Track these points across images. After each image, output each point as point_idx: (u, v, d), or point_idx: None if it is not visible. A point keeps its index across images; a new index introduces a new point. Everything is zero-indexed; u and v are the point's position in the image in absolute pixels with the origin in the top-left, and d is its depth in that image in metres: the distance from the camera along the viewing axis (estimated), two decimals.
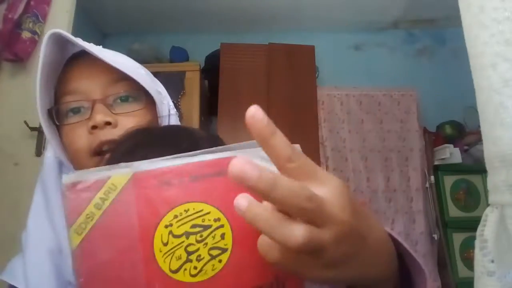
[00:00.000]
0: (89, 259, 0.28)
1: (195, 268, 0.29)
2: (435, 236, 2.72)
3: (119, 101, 0.59)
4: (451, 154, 2.68)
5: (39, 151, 1.55)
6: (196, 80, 2.67)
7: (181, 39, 3.10)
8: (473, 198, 2.71)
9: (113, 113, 0.57)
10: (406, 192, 2.85)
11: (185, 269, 0.29)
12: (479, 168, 2.44)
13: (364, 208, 0.31)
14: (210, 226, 0.30)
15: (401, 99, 3.05)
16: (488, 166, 0.69)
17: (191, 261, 0.30)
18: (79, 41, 0.56)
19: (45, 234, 0.56)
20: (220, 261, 0.30)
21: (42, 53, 0.56)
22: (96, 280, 0.28)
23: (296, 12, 3.06)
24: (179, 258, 0.29)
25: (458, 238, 2.63)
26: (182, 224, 0.29)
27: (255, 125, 0.27)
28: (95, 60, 0.57)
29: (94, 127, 0.56)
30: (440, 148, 2.80)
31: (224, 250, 0.30)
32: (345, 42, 3.34)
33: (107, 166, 0.30)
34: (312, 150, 2.63)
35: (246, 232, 0.30)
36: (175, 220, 0.29)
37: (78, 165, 0.59)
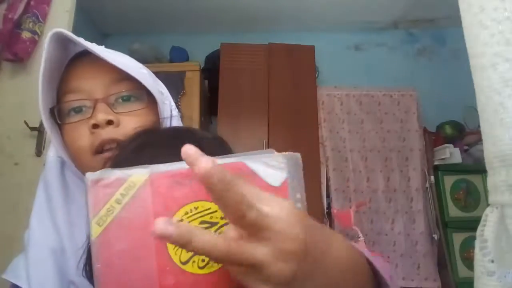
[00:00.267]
0: (107, 248, 0.31)
1: (203, 261, 0.32)
2: (435, 236, 2.72)
3: (121, 100, 0.59)
4: (451, 154, 2.68)
5: (39, 151, 1.55)
6: (196, 80, 2.67)
7: (181, 39, 3.10)
8: (473, 198, 2.71)
9: (115, 112, 0.58)
10: (406, 192, 2.85)
11: (194, 261, 0.31)
12: (479, 168, 2.44)
13: (322, 231, 0.31)
14: (217, 223, 0.33)
15: (401, 99, 3.05)
16: (488, 166, 0.69)
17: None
18: (82, 41, 0.56)
19: (47, 233, 0.56)
20: None
21: (45, 52, 0.56)
22: (112, 267, 0.31)
23: (296, 12, 3.07)
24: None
25: (458, 238, 2.63)
26: (192, 220, 0.32)
27: (208, 182, 0.26)
28: (98, 59, 0.57)
29: (96, 126, 0.56)
30: (440, 148, 2.80)
31: None
32: (345, 42, 3.34)
33: (127, 168, 0.33)
34: (312, 150, 2.63)
35: None
36: (186, 216, 0.32)
37: (79, 164, 0.59)
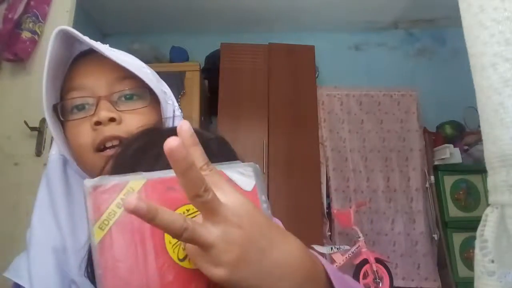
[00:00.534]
0: (110, 252, 0.33)
1: None
2: (435, 236, 2.72)
3: (123, 98, 0.59)
4: (451, 154, 2.68)
5: (39, 151, 1.55)
6: (196, 80, 2.68)
7: (181, 39, 3.10)
8: (473, 198, 2.71)
9: (118, 110, 0.58)
10: (406, 192, 2.86)
11: (190, 258, 0.34)
12: (479, 168, 2.44)
13: (273, 229, 0.34)
14: None
15: (401, 99, 3.05)
16: (488, 166, 0.69)
17: None
18: (87, 39, 0.56)
19: (49, 232, 0.56)
20: None
21: (49, 49, 0.56)
22: (115, 271, 0.33)
23: (296, 12, 3.07)
24: (185, 248, 0.34)
25: (458, 238, 2.63)
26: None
27: (173, 157, 0.29)
28: (102, 58, 0.57)
29: (98, 123, 0.56)
30: (440, 148, 2.80)
31: None
32: (345, 42, 3.34)
33: (123, 174, 0.35)
34: (312, 150, 2.63)
35: None
36: None
37: (81, 161, 0.59)
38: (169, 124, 0.64)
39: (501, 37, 0.66)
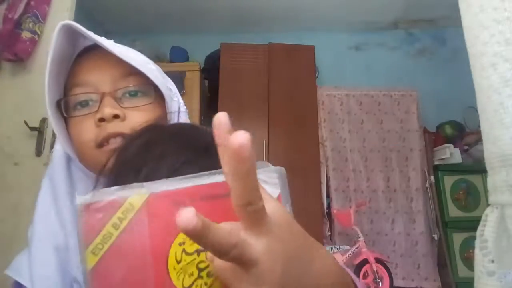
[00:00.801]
0: (104, 279, 0.29)
1: (206, 284, 0.30)
2: (435, 236, 2.72)
3: (128, 95, 0.58)
4: (451, 154, 2.68)
5: (39, 151, 1.55)
6: (196, 80, 2.68)
7: (181, 39, 3.10)
8: (473, 198, 2.71)
9: (122, 107, 0.57)
10: (406, 192, 2.86)
11: (197, 285, 0.30)
12: (479, 168, 2.44)
13: (309, 241, 0.31)
14: None
15: (401, 99, 3.05)
16: (488, 166, 0.69)
17: (202, 277, 0.30)
18: (91, 34, 0.56)
19: (52, 229, 0.55)
20: None
21: (53, 44, 0.55)
22: None
23: (296, 12, 3.07)
24: (191, 274, 0.30)
25: (458, 238, 2.63)
26: (194, 242, 0.29)
27: (240, 155, 0.25)
28: (106, 54, 0.57)
29: (102, 120, 0.55)
30: (440, 148, 2.80)
31: None
32: (345, 42, 3.34)
33: (121, 186, 0.30)
34: (312, 150, 2.63)
35: None
36: (188, 238, 0.29)
37: (83, 158, 0.58)
38: (174, 120, 0.62)
39: (501, 37, 0.66)
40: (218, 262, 0.27)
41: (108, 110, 0.55)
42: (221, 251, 0.25)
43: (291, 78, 2.74)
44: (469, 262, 2.54)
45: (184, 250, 0.30)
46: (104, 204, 0.29)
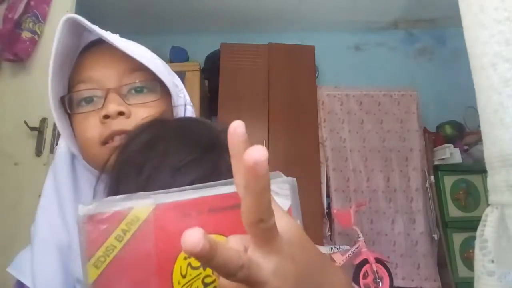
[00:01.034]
0: None
1: None
2: (435, 236, 2.72)
3: (133, 91, 0.57)
4: (451, 154, 2.68)
5: (39, 151, 1.55)
6: (196, 80, 2.68)
7: (181, 39, 3.10)
8: (473, 198, 2.71)
9: (127, 103, 0.55)
10: (406, 192, 2.86)
11: None
12: (479, 168, 2.44)
13: (321, 258, 0.31)
14: None
15: (401, 99, 3.05)
16: (488, 166, 0.69)
17: None
18: (96, 28, 0.54)
19: (55, 228, 0.54)
20: None
21: (56, 38, 0.53)
22: None
23: (296, 12, 3.07)
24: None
25: (458, 238, 2.63)
26: None
27: (256, 172, 0.23)
28: (111, 48, 0.55)
29: (106, 117, 0.53)
30: (440, 148, 2.80)
31: None
32: (345, 42, 3.34)
33: (126, 195, 0.29)
34: (312, 150, 2.63)
35: None
36: None
37: (87, 155, 0.57)
38: (180, 114, 0.61)
39: (501, 37, 0.66)
40: (224, 281, 0.26)
41: (113, 106, 0.53)
42: (228, 273, 0.24)
43: (291, 78, 2.74)
44: (469, 262, 2.54)
45: (189, 264, 0.29)
46: (107, 216, 0.28)
